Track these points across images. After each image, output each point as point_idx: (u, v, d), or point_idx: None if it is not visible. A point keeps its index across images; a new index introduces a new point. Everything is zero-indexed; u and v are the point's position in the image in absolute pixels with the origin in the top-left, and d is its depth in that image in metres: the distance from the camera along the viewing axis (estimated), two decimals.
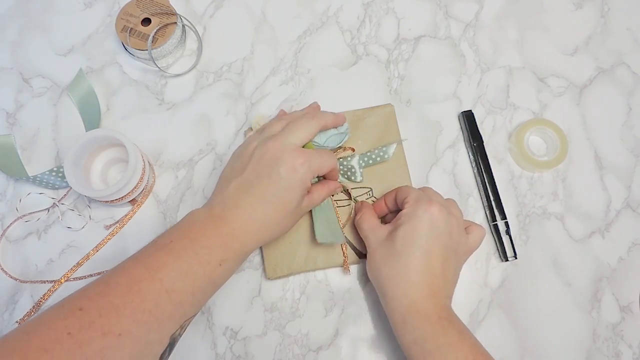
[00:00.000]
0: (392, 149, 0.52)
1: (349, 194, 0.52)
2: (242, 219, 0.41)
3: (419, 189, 0.47)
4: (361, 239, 0.51)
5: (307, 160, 0.41)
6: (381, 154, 0.52)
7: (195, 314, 0.40)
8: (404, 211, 0.44)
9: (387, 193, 0.49)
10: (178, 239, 0.39)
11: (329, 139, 0.49)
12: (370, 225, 0.47)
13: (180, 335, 0.39)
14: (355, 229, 0.51)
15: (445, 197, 0.47)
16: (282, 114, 0.50)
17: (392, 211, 0.49)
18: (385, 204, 0.49)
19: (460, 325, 0.41)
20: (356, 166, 0.51)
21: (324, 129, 0.46)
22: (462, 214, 0.46)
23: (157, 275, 0.37)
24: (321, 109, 0.50)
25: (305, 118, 0.44)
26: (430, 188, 0.47)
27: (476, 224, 0.46)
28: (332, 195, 0.51)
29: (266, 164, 0.41)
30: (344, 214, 0.51)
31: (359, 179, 0.51)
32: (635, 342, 0.49)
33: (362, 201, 0.51)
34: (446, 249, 0.42)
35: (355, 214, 0.50)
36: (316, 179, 0.49)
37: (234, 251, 0.40)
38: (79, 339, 0.33)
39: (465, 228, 0.45)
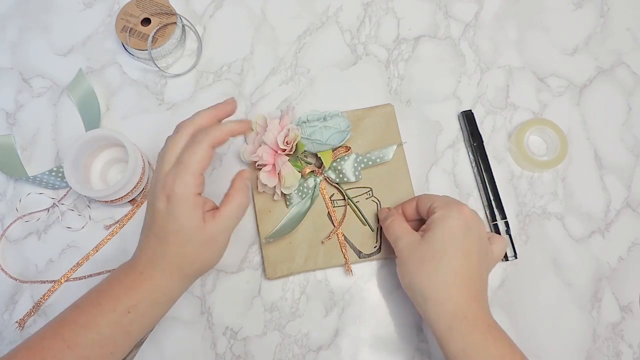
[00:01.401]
0: (392, 151, 0.52)
1: (342, 194, 0.52)
2: (146, 261, 0.39)
3: (442, 195, 0.46)
4: (361, 239, 0.51)
5: (175, 178, 0.38)
6: (381, 155, 0.52)
7: None
8: (435, 215, 0.43)
9: (404, 203, 0.48)
10: (89, 294, 0.40)
11: (330, 137, 0.49)
12: (401, 230, 0.45)
13: None
14: (355, 228, 0.51)
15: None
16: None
17: (410, 221, 0.48)
18: (404, 213, 0.48)
19: (508, 337, 0.40)
20: (349, 168, 0.51)
21: (216, 146, 0.40)
22: (503, 253, 0.45)
23: (60, 332, 0.37)
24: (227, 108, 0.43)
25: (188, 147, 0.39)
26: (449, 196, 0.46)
27: (497, 235, 0.46)
28: (329, 196, 0.51)
29: (150, 204, 0.40)
30: (338, 213, 0.51)
31: (352, 179, 0.51)
32: (635, 342, 0.49)
33: (389, 207, 0.50)
34: (480, 251, 0.42)
35: (382, 220, 0.48)
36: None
37: (144, 295, 0.39)
38: None
39: (488, 239, 0.44)
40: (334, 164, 0.51)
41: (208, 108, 0.42)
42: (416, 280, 0.41)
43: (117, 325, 0.38)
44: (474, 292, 0.40)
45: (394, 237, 0.45)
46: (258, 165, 0.50)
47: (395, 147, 0.52)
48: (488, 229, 0.53)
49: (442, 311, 0.39)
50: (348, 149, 0.52)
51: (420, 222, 0.47)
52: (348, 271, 0.50)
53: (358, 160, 0.51)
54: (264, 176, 0.49)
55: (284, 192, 0.50)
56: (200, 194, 0.39)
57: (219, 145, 0.40)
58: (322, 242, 0.50)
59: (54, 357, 0.36)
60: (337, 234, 0.50)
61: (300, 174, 0.50)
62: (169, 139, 0.41)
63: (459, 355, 0.38)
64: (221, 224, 0.40)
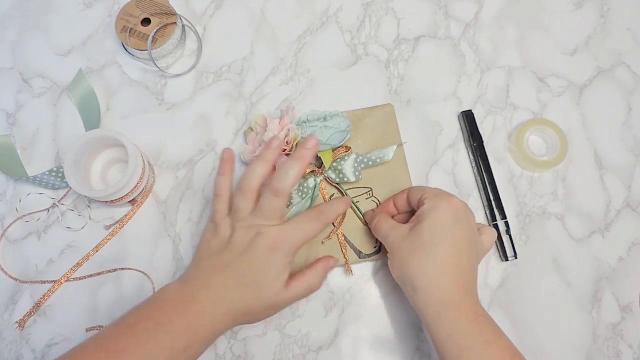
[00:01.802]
0: (392, 151, 0.52)
1: (342, 194, 0.52)
2: (211, 300, 0.40)
3: (432, 187, 0.47)
4: (361, 239, 0.51)
5: (285, 238, 0.40)
6: (381, 155, 0.52)
7: None
8: (425, 206, 0.43)
9: (395, 195, 0.49)
10: (143, 320, 0.39)
11: (330, 137, 0.49)
12: (388, 225, 0.46)
13: None
14: (355, 228, 0.51)
15: None
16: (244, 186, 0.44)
17: (401, 212, 0.49)
18: (395, 205, 0.48)
19: (495, 325, 0.41)
20: (349, 168, 0.51)
21: (293, 188, 0.43)
22: (493, 244, 0.46)
23: None
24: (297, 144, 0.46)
25: (272, 196, 0.41)
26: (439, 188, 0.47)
27: (487, 225, 0.46)
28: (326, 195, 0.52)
29: (244, 247, 0.40)
30: None
31: (351, 179, 0.51)
32: (635, 342, 0.49)
33: (372, 209, 0.50)
34: (469, 241, 0.42)
35: (369, 222, 0.49)
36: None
37: (200, 336, 0.39)
38: None
39: (477, 229, 0.45)
40: (334, 164, 0.51)
41: (294, 161, 0.42)
42: (406, 271, 0.42)
43: None
44: (463, 281, 0.41)
45: (383, 233, 0.46)
46: None
47: (395, 147, 0.52)
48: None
49: (431, 298, 0.40)
50: (348, 148, 0.52)
51: (411, 214, 0.47)
52: (348, 271, 0.50)
53: (358, 160, 0.51)
54: None
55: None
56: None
57: None
58: (322, 242, 0.50)
59: None
60: (337, 234, 0.50)
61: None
62: (270, 197, 0.41)
63: (446, 341, 0.39)
64: (290, 297, 0.42)
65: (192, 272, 0.42)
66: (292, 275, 0.43)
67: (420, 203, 0.44)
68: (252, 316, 0.42)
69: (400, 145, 0.53)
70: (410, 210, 0.48)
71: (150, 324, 0.39)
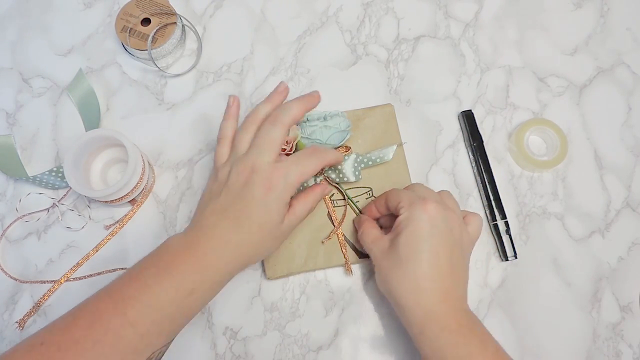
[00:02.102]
0: (392, 151, 0.52)
1: (342, 194, 0.52)
2: (215, 243, 0.40)
3: (408, 187, 0.46)
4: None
5: (283, 174, 0.40)
6: (381, 155, 0.52)
7: (167, 345, 0.39)
8: (400, 217, 0.42)
9: (376, 198, 0.49)
10: (147, 267, 0.39)
11: (330, 136, 0.49)
12: (372, 237, 0.45)
13: None
14: (354, 228, 0.51)
15: (438, 190, 0.46)
16: (251, 118, 0.45)
17: (384, 215, 0.48)
18: (377, 209, 0.48)
19: (482, 332, 0.40)
20: (349, 168, 0.51)
21: (293, 124, 0.43)
22: (458, 204, 0.45)
23: (121, 307, 0.37)
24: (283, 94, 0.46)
25: (269, 125, 0.41)
26: (420, 184, 0.47)
27: (472, 212, 0.45)
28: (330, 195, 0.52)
29: (240, 187, 0.40)
30: (338, 213, 0.51)
31: (351, 179, 0.51)
32: (635, 342, 0.49)
33: (360, 215, 0.50)
34: (451, 246, 0.41)
35: (357, 227, 0.49)
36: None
37: (206, 278, 0.39)
38: None
39: (463, 218, 0.44)
40: (335, 169, 0.51)
41: (298, 100, 0.43)
42: (389, 287, 0.42)
43: (178, 304, 0.38)
44: (444, 291, 0.40)
45: (367, 246, 0.46)
46: None
47: (395, 147, 0.52)
48: (486, 227, 0.52)
49: (413, 317, 0.40)
50: (348, 148, 0.52)
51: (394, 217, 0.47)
52: (348, 271, 0.50)
53: (358, 160, 0.51)
54: None
55: None
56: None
57: None
58: (322, 242, 0.50)
59: (114, 332, 0.36)
60: (337, 234, 0.50)
61: None
62: (267, 127, 0.41)
63: (432, 356, 0.39)
64: (292, 223, 0.43)
65: (195, 219, 0.42)
66: (291, 202, 0.43)
67: (397, 211, 0.44)
68: (259, 255, 0.43)
69: (400, 145, 0.53)
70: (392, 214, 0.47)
71: (154, 270, 0.39)
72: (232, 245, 0.40)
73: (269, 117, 0.42)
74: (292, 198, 0.43)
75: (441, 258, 0.41)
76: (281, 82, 0.46)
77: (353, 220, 0.51)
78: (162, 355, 0.40)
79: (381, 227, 0.48)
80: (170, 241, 0.41)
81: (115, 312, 0.36)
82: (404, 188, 0.47)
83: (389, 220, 0.49)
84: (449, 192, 0.46)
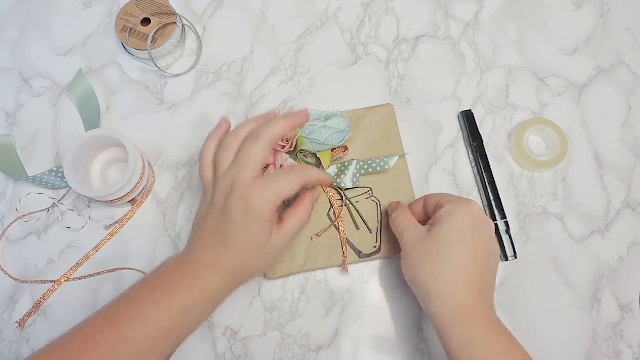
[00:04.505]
0: (394, 160, 0.52)
1: (341, 195, 0.52)
2: (205, 265, 0.40)
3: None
4: (361, 239, 0.51)
5: (260, 192, 0.39)
6: (382, 164, 0.52)
7: None
8: (444, 209, 0.42)
9: (412, 203, 0.48)
10: (141, 288, 0.40)
11: (330, 137, 0.49)
12: (407, 223, 0.44)
13: None
14: (355, 228, 0.51)
15: None
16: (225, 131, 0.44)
17: (418, 220, 0.47)
18: (412, 211, 0.47)
19: (510, 333, 0.40)
20: (349, 176, 0.51)
21: (277, 141, 0.42)
22: None
23: (115, 325, 0.37)
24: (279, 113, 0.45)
25: (251, 141, 0.40)
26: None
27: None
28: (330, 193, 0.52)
29: (222, 207, 0.40)
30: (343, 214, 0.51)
31: (349, 185, 0.51)
32: (636, 342, 0.49)
33: (397, 201, 0.49)
34: (487, 249, 0.41)
35: (390, 212, 0.48)
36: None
37: (199, 297, 0.39)
38: None
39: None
40: (336, 170, 0.51)
41: (284, 118, 0.41)
42: (420, 274, 0.41)
43: (172, 324, 0.38)
44: (478, 288, 0.40)
45: (400, 230, 0.44)
46: None
47: (397, 157, 0.52)
48: None
49: (445, 306, 0.39)
50: (346, 149, 0.52)
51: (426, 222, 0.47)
52: (344, 270, 0.50)
53: (358, 167, 0.51)
54: None
55: None
56: (277, 211, 0.41)
57: None
58: (312, 239, 0.50)
59: (108, 350, 0.36)
60: (340, 231, 0.50)
61: None
62: (248, 143, 0.40)
63: (461, 351, 0.38)
64: (285, 238, 0.41)
65: (189, 240, 0.43)
66: (282, 217, 0.42)
67: (438, 207, 0.43)
68: (252, 273, 0.42)
69: (403, 156, 0.53)
70: (425, 219, 0.47)
71: (149, 290, 0.39)
72: (221, 266, 0.40)
73: (252, 132, 0.41)
74: (284, 211, 0.43)
75: (478, 256, 0.40)
76: (269, 112, 0.45)
77: (376, 215, 0.50)
78: None
79: None
80: (164, 264, 0.42)
81: (109, 330, 0.37)
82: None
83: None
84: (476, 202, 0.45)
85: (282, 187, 0.39)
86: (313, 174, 0.42)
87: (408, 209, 0.47)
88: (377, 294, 0.50)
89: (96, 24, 0.60)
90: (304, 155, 0.52)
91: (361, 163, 0.52)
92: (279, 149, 0.49)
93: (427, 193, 0.53)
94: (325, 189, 0.52)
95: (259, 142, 0.40)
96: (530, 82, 0.58)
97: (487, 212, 0.53)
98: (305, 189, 0.44)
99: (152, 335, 0.37)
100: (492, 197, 0.52)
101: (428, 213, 0.46)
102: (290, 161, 0.48)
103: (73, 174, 0.47)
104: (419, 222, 0.46)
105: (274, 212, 0.40)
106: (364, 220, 0.51)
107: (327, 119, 0.50)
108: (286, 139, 0.48)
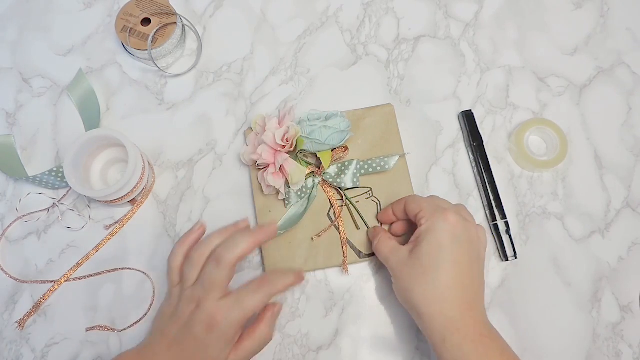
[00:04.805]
0: (394, 160, 0.52)
1: (342, 195, 0.52)
2: None
3: (428, 198, 0.46)
4: (362, 239, 0.51)
5: (225, 314, 0.39)
6: (382, 164, 0.52)
7: None
8: (421, 228, 0.42)
9: (394, 203, 0.48)
10: None
11: (330, 137, 0.49)
12: (389, 247, 0.45)
13: None
14: (355, 228, 0.51)
15: (453, 202, 0.46)
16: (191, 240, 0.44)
17: (400, 220, 0.48)
18: (394, 214, 0.48)
19: (502, 343, 0.40)
20: (349, 175, 0.51)
21: (240, 260, 0.42)
22: (473, 217, 0.45)
23: None
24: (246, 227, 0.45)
25: (213, 265, 0.40)
26: (438, 197, 0.46)
27: (478, 224, 0.45)
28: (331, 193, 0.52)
29: (186, 320, 0.40)
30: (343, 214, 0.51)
31: (349, 185, 0.51)
32: (636, 342, 0.49)
33: (375, 227, 0.50)
34: (471, 257, 0.42)
35: (371, 239, 0.48)
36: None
37: None
38: None
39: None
40: (337, 170, 0.51)
41: (250, 235, 0.41)
42: (409, 296, 0.42)
43: None
44: (467, 302, 0.40)
45: (383, 256, 0.45)
46: (258, 165, 0.50)
47: (397, 157, 0.52)
48: (486, 228, 0.52)
49: (435, 325, 0.40)
50: (346, 149, 0.52)
51: (410, 223, 0.47)
52: (344, 270, 0.50)
53: (358, 167, 0.51)
54: (270, 179, 0.49)
55: (293, 189, 0.50)
56: (241, 329, 0.41)
57: None
58: (312, 239, 0.50)
59: None
60: (341, 232, 0.50)
61: (305, 167, 0.50)
62: (211, 267, 0.40)
63: None
64: (241, 357, 0.41)
65: (149, 341, 0.42)
66: (242, 334, 0.42)
67: (417, 220, 0.44)
68: None
69: (403, 156, 0.53)
70: (407, 221, 0.48)
71: None
72: None
73: (215, 253, 0.41)
74: (243, 333, 0.42)
75: (463, 268, 0.41)
76: (238, 222, 0.45)
77: (367, 232, 0.50)
78: None
79: (393, 234, 0.49)
80: (122, 357, 0.41)
81: None
82: (427, 198, 0.46)
83: (402, 227, 0.49)
84: (464, 206, 0.46)
85: (247, 308, 0.40)
86: (280, 286, 0.42)
87: (386, 234, 0.47)
88: (377, 294, 0.50)
89: (96, 24, 0.60)
90: (303, 155, 0.52)
91: (361, 163, 0.52)
92: (279, 149, 0.49)
93: (427, 193, 0.53)
94: (325, 189, 0.52)
95: (221, 266, 0.40)
96: (530, 82, 0.58)
97: (487, 212, 0.53)
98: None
99: None
100: (492, 197, 0.52)
101: (410, 218, 0.46)
102: (291, 161, 0.48)
103: (73, 174, 0.47)
104: (401, 220, 0.47)
105: (238, 331, 0.41)
106: (364, 220, 0.51)
107: (327, 118, 0.50)
108: (286, 139, 0.48)
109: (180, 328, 0.40)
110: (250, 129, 0.54)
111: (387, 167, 0.52)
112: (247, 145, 0.53)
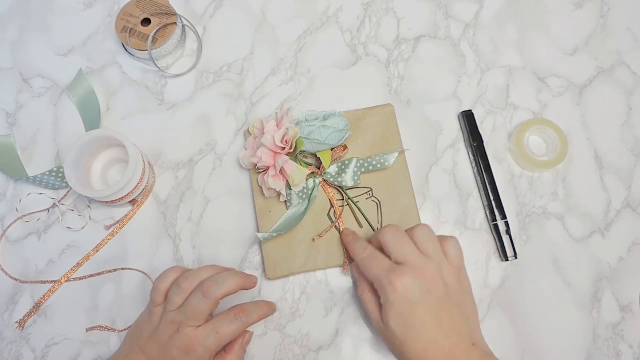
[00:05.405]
0: (393, 157, 0.52)
1: (342, 195, 0.52)
2: None
3: (409, 231, 0.44)
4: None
5: (202, 340, 0.41)
6: (382, 161, 0.52)
7: None
8: (381, 300, 0.42)
9: (370, 238, 0.47)
10: None
11: (329, 136, 0.49)
12: (370, 306, 0.44)
13: None
14: (355, 228, 0.51)
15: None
16: (182, 274, 0.45)
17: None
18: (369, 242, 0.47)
19: None
20: (349, 173, 0.51)
21: (224, 297, 0.43)
22: (459, 250, 0.43)
23: None
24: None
25: (199, 296, 0.42)
26: (423, 227, 0.44)
27: (445, 236, 0.44)
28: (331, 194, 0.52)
29: (165, 341, 0.41)
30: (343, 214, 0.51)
31: (349, 184, 0.51)
32: (635, 342, 0.49)
33: (359, 278, 0.46)
34: (440, 300, 0.41)
35: (357, 288, 0.47)
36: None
37: None
38: None
39: (442, 244, 0.43)
40: (337, 169, 0.51)
41: (237, 277, 0.43)
42: (394, 352, 0.42)
43: None
44: (449, 349, 0.40)
45: (367, 311, 0.45)
46: (258, 168, 0.50)
47: (397, 153, 0.52)
48: (486, 228, 0.52)
49: None
50: (345, 147, 0.52)
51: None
52: (345, 270, 0.50)
53: (358, 165, 0.51)
54: (271, 181, 0.49)
55: (294, 190, 0.50)
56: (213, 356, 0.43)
57: None
58: (313, 240, 0.50)
59: None
60: (341, 231, 0.50)
61: (306, 168, 0.50)
62: (197, 297, 0.42)
63: None
64: None
65: (126, 354, 0.43)
66: None
67: (383, 274, 0.42)
68: None
69: (402, 152, 0.53)
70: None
71: None
72: None
73: (203, 285, 0.42)
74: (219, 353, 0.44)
75: (438, 319, 0.40)
76: (230, 268, 0.46)
77: (364, 215, 0.50)
78: None
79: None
80: None
81: None
82: (406, 230, 0.44)
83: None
84: (454, 238, 0.44)
85: (223, 336, 0.42)
86: (255, 316, 0.44)
87: (367, 285, 0.45)
88: None
89: (96, 24, 0.60)
90: (303, 156, 0.52)
91: (361, 161, 0.52)
92: (279, 151, 0.49)
93: (427, 193, 0.53)
94: (326, 189, 0.52)
95: (206, 299, 0.41)
96: (530, 82, 0.58)
97: (487, 212, 0.53)
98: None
99: None
100: (492, 197, 0.52)
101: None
102: (291, 163, 0.48)
103: (73, 174, 0.47)
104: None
105: (212, 357, 0.43)
106: (366, 218, 0.51)
107: (325, 118, 0.50)
108: (285, 140, 0.48)
109: (158, 349, 0.42)
110: (249, 131, 0.54)
111: (386, 164, 0.52)
112: (245, 149, 0.53)
